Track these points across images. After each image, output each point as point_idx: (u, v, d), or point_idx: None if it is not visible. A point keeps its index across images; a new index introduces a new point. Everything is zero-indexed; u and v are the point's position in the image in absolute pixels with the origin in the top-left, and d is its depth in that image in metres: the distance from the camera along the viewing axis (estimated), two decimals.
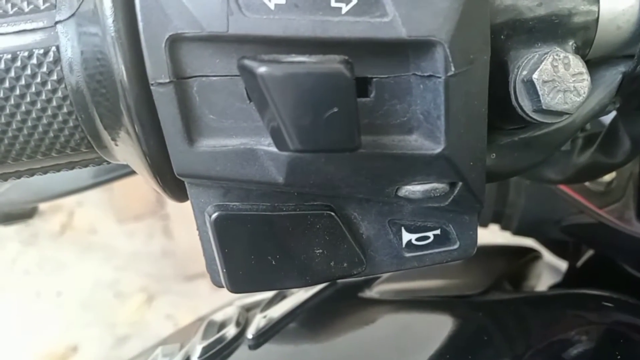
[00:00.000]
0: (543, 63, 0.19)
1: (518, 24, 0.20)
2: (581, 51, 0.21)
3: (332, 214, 0.19)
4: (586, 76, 0.19)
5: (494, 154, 0.23)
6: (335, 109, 0.13)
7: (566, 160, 0.30)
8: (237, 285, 0.18)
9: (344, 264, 0.19)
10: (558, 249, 0.50)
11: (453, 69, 0.15)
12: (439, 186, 0.18)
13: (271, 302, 0.32)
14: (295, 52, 0.15)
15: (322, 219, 0.19)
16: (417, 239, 0.20)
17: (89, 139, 0.19)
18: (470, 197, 0.19)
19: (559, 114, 0.20)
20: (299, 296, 0.33)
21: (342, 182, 0.17)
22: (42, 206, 1.49)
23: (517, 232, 0.43)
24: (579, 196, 0.38)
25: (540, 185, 0.41)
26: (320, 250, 0.19)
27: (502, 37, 0.20)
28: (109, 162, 0.21)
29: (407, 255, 0.20)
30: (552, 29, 0.20)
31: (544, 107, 0.19)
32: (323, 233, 0.19)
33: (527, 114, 0.20)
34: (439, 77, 0.16)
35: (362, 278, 0.36)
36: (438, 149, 0.17)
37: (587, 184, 0.39)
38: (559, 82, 0.19)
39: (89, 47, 0.17)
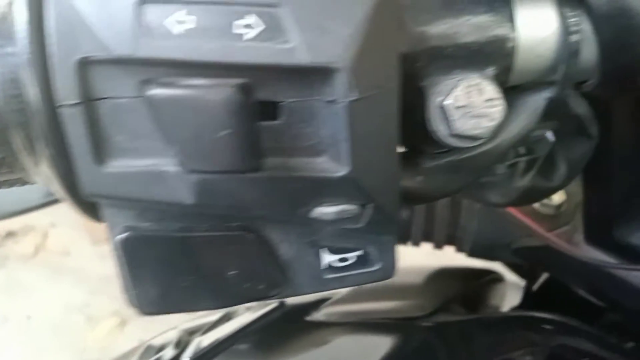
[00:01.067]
0: (456, 89, 0.20)
1: (436, 52, 0.21)
2: (501, 78, 0.22)
3: (248, 235, 0.19)
4: (499, 102, 0.20)
5: (421, 177, 0.23)
6: (226, 132, 0.14)
7: (508, 184, 0.31)
8: (148, 306, 0.18)
9: (261, 285, 0.19)
10: (520, 271, 0.51)
11: (356, 94, 0.16)
12: (349, 208, 0.18)
13: (215, 325, 0.32)
14: (200, 76, 0.15)
15: (237, 240, 0.19)
16: (337, 261, 0.20)
17: (9, 160, 0.19)
18: (383, 218, 0.19)
19: (473, 138, 0.20)
20: (244, 318, 0.32)
21: (253, 203, 0.17)
22: (15, 227, 1.47)
23: (471, 254, 0.43)
24: (527, 219, 0.39)
25: (491, 208, 0.42)
26: (236, 272, 0.19)
27: (419, 64, 0.21)
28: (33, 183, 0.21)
29: (328, 276, 0.20)
30: (470, 57, 0.21)
31: (456, 133, 0.20)
32: (239, 254, 0.19)
33: (443, 139, 0.20)
34: (342, 103, 0.16)
35: (311, 300, 0.36)
36: (344, 171, 0.17)
37: (536, 207, 0.40)
38: (471, 107, 0.20)
39: (5, 68, 0.17)
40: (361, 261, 0.20)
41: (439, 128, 0.20)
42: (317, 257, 0.20)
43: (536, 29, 0.22)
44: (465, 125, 0.20)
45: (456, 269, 0.49)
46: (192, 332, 0.31)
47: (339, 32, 0.15)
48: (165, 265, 0.18)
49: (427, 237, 0.44)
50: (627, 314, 0.38)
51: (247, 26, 0.15)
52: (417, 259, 0.45)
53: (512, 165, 0.31)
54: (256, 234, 0.19)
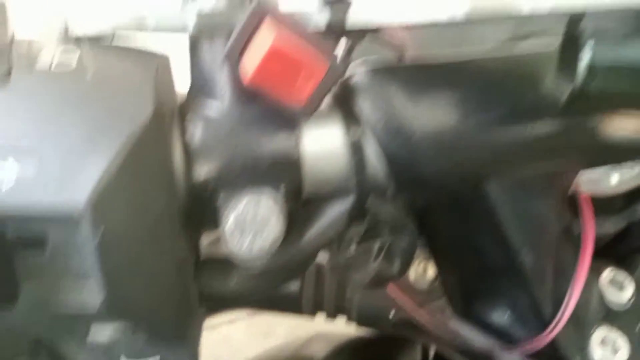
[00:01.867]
0: (236, 208, 0.22)
1: (222, 175, 0.23)
2: (294, 191, 0.24)
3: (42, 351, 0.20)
4: (277, 219, 0.22)
5: (235, 280, 0.25)
6: None
7: (365, 268, 0.33)
8: None
9: None
10: None
11: (94, 236, 0.18)
12: (119, 334, 0.20)
13: None
14: None
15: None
16: None
17: None
18: (165, 333, 0.21)
19: (256, 254, 0.22)
20: None
21: (35, 331, 0.19)
22: None
23: (359, 324, 0.45)
24: (402, 293, 0.41)
25: None
26: None
27: (209, 188, 0.23)
28: None
29: None
30: (256, 176, 0.23)
31: (239, 250, 0.22)
32: None
33: (233, 256, 0.22)
34: (85, 242, 0.18)
35: None
36: (100, 303, 0.19)
37: (412, 280, 0.42)
38: (250, 225, 0.22)
39: None
40: None
41: (227, 246, 0.22)
42: None
43: (323, 146, 0.24)
44: (244, 243, 0.22)
45: (381, 336, 0.50)
46: None
47: (83, 182, 0.18)
48: None
49: (318, 307, 0.46)
50: None
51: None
52: None
53: (367, 249, 0.33)
54: (54, 351, 0.21)
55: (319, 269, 0.43)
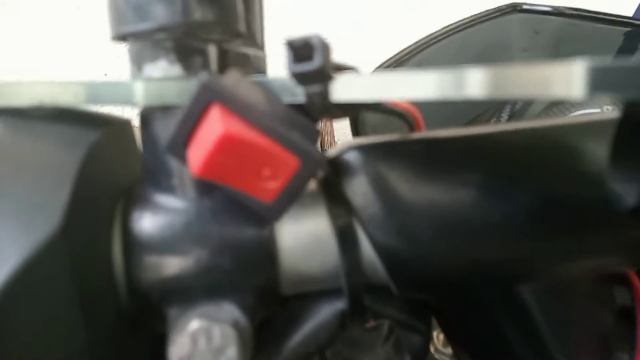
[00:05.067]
0: (181, 335, 0.18)
1: (170, 282, 0.19)
2: (267, 295, 0.20)
3: None
4: (233, 349, 0.18)
5: None
6: None
7: (376, 349, 0.28)
8: None
9: None
10: None
11: None
12: None
13: None
14: None
15: None
16: None
17: None
18: None
19: None
20: None
21: None
22: None
23: None
24: None
25: None
26: None
27: (153, 297, 0.19)
28: None
29: None
30: (215, 283, 0.19)
31: None
32: None
33: None
34: None
35: None
36: None
37: (432, 351, 0.37)
38: (198, 357, 0.17)
39: None
40: None
41: None
42: None
43: (304, 237, 0.20)
44: None
45: None
46: None
47: None
48: None
49: None
50: None
51: None
52: None
53: (378, 331, 0.28)
54: None
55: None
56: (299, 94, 0.18)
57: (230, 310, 0.18)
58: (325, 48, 0.17)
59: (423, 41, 0.51)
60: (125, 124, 0.21)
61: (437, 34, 0.52)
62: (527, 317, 0.22)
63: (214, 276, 0.19)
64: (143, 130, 0.19)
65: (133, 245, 0.19)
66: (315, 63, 0.16)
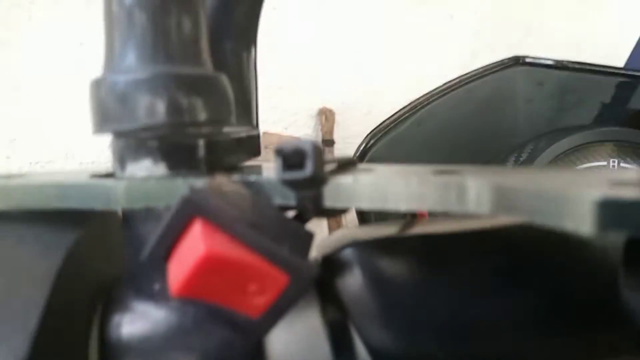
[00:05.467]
0: None
1: None
2: None
3: None
4: None
5: None
6: None
7: None
8: None
9: None
10: None
11: None
12: None
13: None
14: None
15: None
16: None
17: None
18: None
19: None
20: None
21: None
22: None
23: None
24: None
25: None
26: None
27: None
28: None
29: None
30: None
31: None
32: None
33: None
34: None
35: None
36: None
37: None
38: None
39: None
40: None
41: None
42: None
43: (295, 346, 0.18)
44: None
45: None
46: None
47: None
48: None
49: None
50: None
51: None
52: None
53: None
54: None
55: None
56: (290, 197, 0.17)
57: None
58: (318, 154, 0.16)
59: (423, 98, 0.51)
60: (109, 216, 0.20)
61: (438, 90, 0.52)
62: None
63: None
64: (125, 230, 0.18)
65: (110, 353, 0.17)
66: (306, 171, 0.15)
